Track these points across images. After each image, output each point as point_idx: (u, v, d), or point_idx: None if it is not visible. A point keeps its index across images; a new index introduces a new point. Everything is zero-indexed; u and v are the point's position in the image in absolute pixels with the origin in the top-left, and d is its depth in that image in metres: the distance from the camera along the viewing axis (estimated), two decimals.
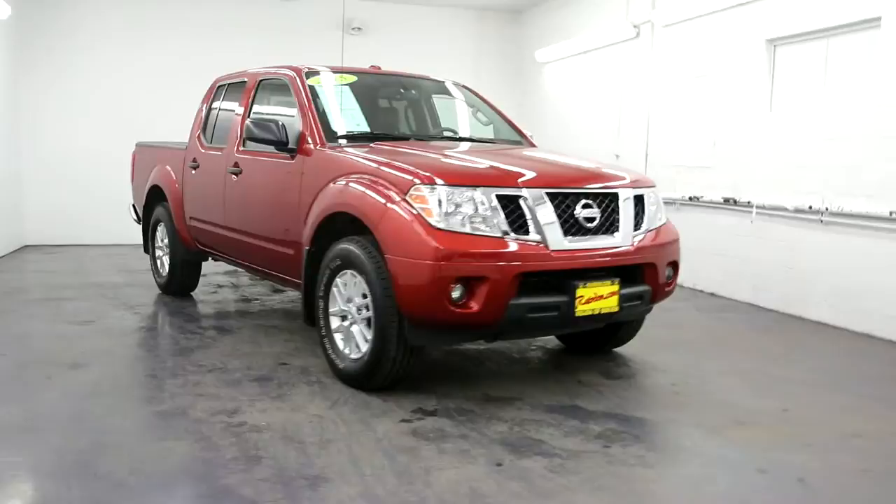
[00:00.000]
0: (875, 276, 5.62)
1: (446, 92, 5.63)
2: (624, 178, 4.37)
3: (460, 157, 4.61)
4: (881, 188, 5.58)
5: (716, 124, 7.42)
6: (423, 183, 3.82)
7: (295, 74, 5.10)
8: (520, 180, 3.95)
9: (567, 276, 3.94)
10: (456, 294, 3.69)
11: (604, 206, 4.13)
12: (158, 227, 6.82)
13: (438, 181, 3.81)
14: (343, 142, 4.65)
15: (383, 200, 3.90)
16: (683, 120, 7.89)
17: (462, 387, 4.27)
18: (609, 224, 4.14)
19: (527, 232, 3.85)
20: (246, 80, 5.71)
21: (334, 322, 4.30)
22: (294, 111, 5.01)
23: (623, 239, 4.17)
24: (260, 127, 4.71)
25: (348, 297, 4.14)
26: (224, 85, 6.13)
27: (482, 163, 4.32)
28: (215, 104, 6.14)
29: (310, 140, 4.65)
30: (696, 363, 4.93)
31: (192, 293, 6.82)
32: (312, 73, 5.15)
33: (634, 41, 8.89)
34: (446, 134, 5.27)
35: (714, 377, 4.66)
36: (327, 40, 10.86)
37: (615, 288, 4.07)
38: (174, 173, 6.49)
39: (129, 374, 4.46)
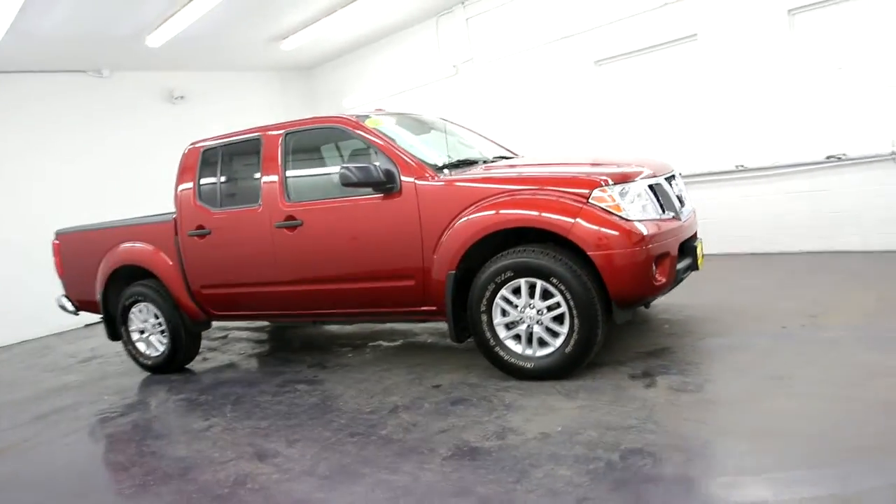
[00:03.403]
0: (741, 212, 6.73)
1: (439, 125, 5.41)
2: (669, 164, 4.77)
3: (577, 165, 4.43)
4: (720, 152, 6.79)
5: (553, 134, 8.10)
6: (604, 185, 3.76)
7: (351, 121, 4.59)
8: (653, 172, 4.12)
9: (685, 241, 4.23)
10: (653, 271, 3.78)
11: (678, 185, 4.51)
12: (134, 309, 5.51)
13: (616, 182, 3.79)
14: (447, 171, 4.34)
15: (569, 209, 3.73)
16: (521, 139, 8.40)
17: (617, 351, 4.22)
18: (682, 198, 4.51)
19: (664, 211, 4.06)
20: (258, 136, 4.92)
21: (501, 332, 4.05)
22: (334, 160, 4.95)
23: (691, 207, 4.59)
24: (354, 173, 4.17)
25: (525, 304, 3.92)
26: (213, 148, 5.16)
27: (613, 164, 4.20)
28: (208, 169, 5.17)
29: (409, 176, 4.26)
30: (710, 296, 5.17)
31: (187, 366, 5.61)
32: (363, 117, 4.67)
33: (453, 78, 9.27)
34: (488, 156, 5.09)
35: (748, 299, 4.93)
36: (151, 111, 9.53)
37: (702, 244, 4.49)
38: (158, 246, 5.31)
39: (332, 445, 3.50)
